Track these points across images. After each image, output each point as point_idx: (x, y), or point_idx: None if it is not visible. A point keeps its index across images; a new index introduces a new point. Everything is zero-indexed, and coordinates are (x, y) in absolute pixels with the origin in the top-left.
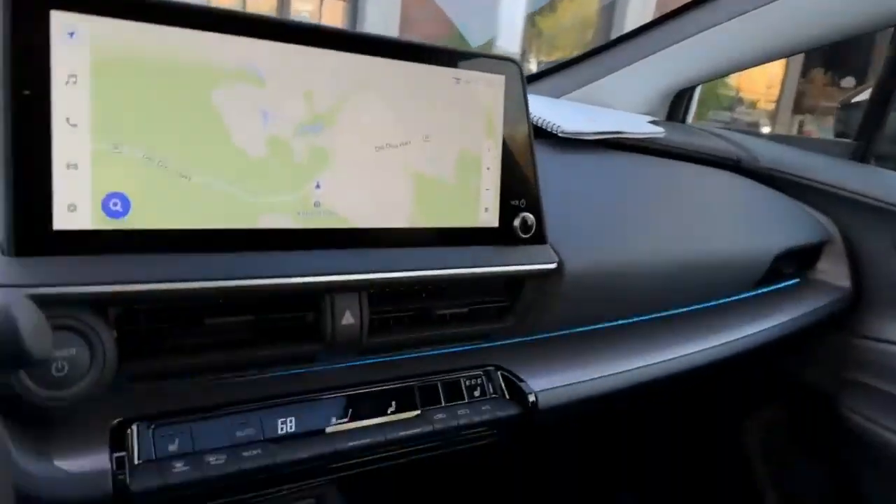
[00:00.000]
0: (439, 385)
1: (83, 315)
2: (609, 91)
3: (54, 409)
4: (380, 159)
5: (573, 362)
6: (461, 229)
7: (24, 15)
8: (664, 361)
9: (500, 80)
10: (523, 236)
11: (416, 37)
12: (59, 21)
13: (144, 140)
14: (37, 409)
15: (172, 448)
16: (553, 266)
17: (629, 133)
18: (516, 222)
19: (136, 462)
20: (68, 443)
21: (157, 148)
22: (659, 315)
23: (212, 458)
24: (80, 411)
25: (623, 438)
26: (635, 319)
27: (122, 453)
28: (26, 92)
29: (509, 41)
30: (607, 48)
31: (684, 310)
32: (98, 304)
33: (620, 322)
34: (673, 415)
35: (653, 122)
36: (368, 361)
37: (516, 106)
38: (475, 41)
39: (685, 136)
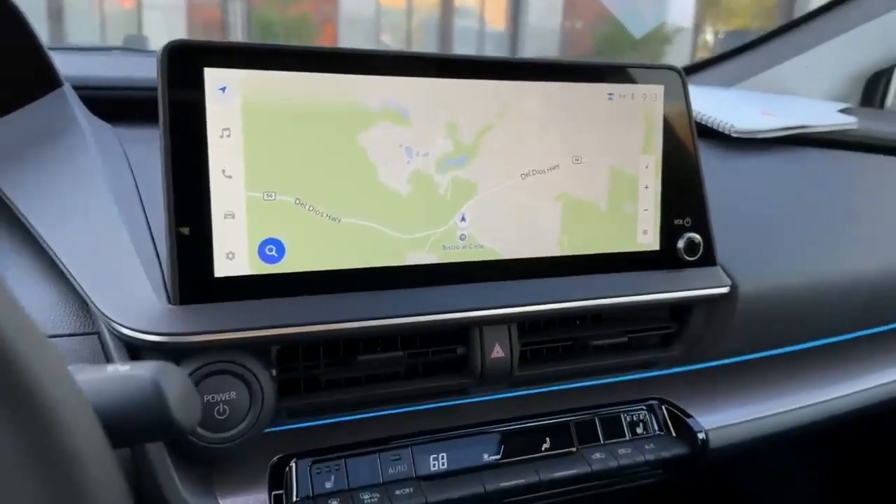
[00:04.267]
0: (597, 421)
1: (243, 359)
2: (790, 76)
3: (218, 451)
4: (526, 186)
5: (747, 395)
6: (617, 254)
7: (179, 74)
8: (858, 392)
9: (658, 90)
10: (689, 259)
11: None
12: (212, 78)
13: (295, 186)
14: (202, 450)
15: (328, 485)
16: (725, 290)
17: (814, 126)
18: (680, 244)
19: (294, 499)
20: (229, 480)
21: (308, 193)
22: (846, 337)
23: (366, 497)
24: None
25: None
26: (817, 343)
27: (281, 491)
28: (185, 147)
29: (681, 15)
30: (790, 28)
31: (878, 331)
32: (257, 347)
33: (799, 347)
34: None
35: (844, 111)
36: (520, 394)
37: (678, 117)
38: (641, 28)
39: (884, 125)
